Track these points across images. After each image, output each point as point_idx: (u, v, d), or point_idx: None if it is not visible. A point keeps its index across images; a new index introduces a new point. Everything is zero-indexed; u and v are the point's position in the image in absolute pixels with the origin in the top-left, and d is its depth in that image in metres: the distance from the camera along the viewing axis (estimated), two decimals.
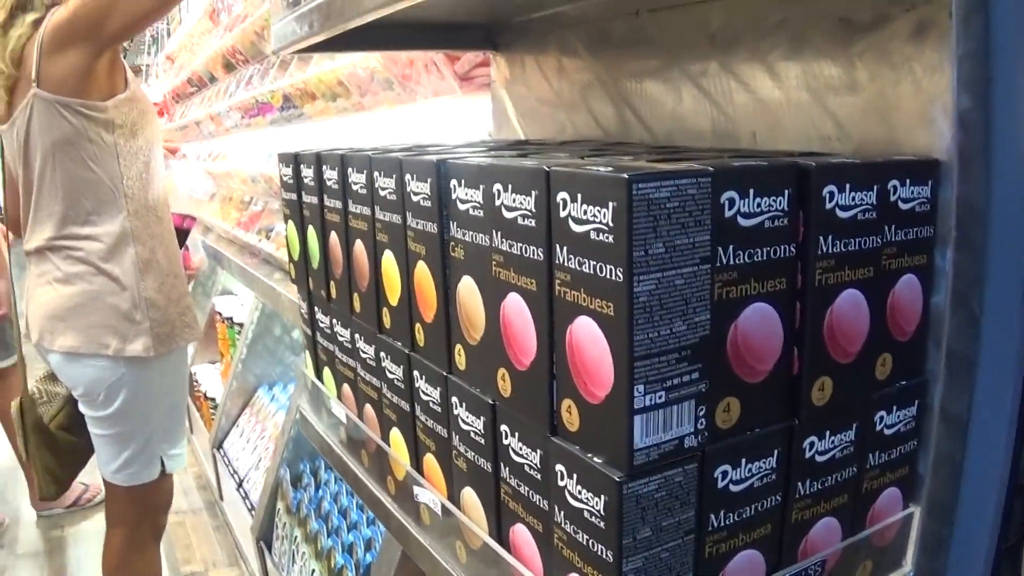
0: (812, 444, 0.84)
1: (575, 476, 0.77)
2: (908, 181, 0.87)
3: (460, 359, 0.98)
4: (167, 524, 2.67)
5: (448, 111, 2.18)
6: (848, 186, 0.81)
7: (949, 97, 0.89)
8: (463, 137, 1.77)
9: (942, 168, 0.91)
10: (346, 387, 1.37)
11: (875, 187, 0.84)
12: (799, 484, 0.85)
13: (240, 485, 3.57)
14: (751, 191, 0.74)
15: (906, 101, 0.94)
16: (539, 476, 0.84)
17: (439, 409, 1.03)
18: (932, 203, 0.91)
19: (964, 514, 1.00)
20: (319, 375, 1.53)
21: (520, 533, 0.90)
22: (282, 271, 3.09)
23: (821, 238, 0.80)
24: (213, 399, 4.31)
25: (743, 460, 0.79)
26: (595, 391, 0.73)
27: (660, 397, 0.71)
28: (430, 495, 1.07)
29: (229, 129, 4.45)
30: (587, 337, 0.73)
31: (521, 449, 0.87)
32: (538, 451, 0.84)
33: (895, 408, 0.92)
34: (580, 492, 0.76)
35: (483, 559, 0.97)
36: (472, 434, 0.96)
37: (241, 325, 4.02)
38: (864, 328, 0.86)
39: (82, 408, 2.35)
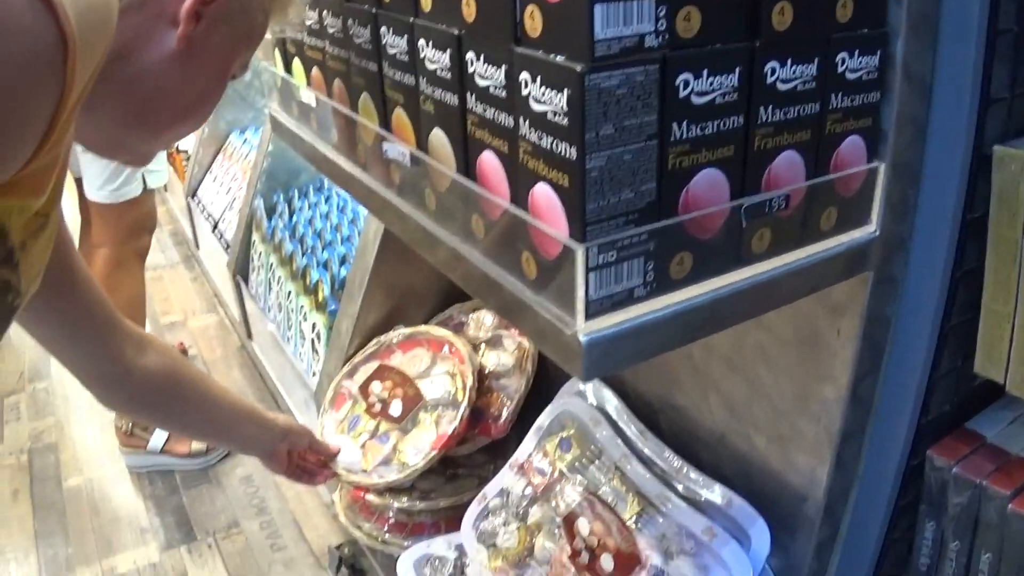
0: (774, 70, 0.85)
1: (538, 79, 0.78)
2: None
3: (426, 1, 0.97)
4: None
5: None
6: None
7: None
8: None
9: None
10: (315, 71, 1.37)
11: None
12: (761, 108, 0.86)
13: (216, 227, 3.59)
14: None
15: None
16: (504, 93, 0.85)
17: (406, 58, 1.03)
18: None
19: (929, 177, 1.02)
20: (288, 70, 1.52)
21: (487, 160, 0.92)
22: None
23: None
24: (186, 151, 4.28)
25: (705, 71, 0.79)
26: None
27: None
28: (399, 148, 1.08)
29: None
30: None
31: (486, 71, 0.87)
32: (502, 67, 0.84)
33: (857, 53, 0.92)
34: (543, 94, 0.77)
35: (451, 198, 1.00)
36: (438, 71, 0.96)
37: None
38: None
39: None
